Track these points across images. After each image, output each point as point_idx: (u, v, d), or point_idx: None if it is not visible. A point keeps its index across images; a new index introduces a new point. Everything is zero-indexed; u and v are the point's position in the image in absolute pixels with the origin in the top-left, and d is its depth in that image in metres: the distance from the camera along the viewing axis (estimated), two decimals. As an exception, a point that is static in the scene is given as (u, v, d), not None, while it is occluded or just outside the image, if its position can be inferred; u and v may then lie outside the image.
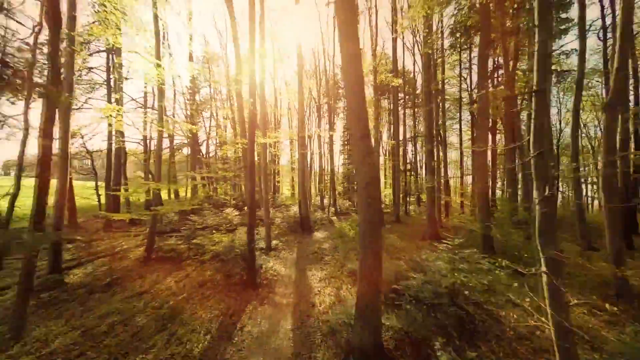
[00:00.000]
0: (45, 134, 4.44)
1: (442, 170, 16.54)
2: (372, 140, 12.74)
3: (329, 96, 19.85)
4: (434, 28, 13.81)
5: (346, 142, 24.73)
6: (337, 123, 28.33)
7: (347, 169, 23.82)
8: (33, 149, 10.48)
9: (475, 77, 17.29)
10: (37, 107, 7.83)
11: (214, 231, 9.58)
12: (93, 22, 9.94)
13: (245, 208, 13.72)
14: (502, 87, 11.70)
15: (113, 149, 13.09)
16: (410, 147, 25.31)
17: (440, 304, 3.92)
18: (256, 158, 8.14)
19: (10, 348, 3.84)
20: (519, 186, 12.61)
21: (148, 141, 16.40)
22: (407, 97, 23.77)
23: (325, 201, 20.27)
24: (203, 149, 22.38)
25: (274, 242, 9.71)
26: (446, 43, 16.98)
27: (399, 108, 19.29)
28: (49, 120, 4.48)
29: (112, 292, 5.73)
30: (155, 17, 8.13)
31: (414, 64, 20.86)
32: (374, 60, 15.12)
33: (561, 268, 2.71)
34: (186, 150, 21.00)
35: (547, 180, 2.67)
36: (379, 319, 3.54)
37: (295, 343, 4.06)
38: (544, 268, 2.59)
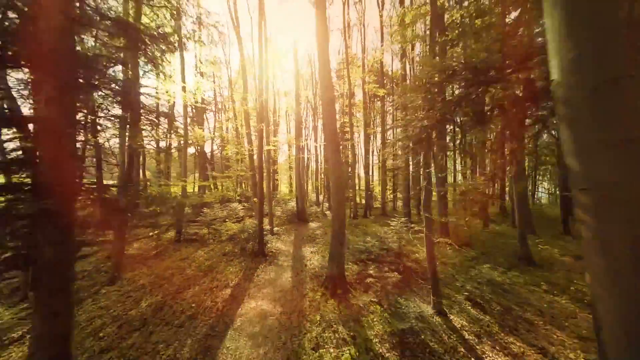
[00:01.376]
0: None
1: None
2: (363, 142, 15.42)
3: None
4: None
5: (346, 140, 27.28)
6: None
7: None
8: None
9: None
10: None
11: (226, 220, 12.21)
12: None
13: (248, 202, 16.31)
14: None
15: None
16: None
17: (381, 255, 6.51)
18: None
19: (113, 284, 6.38)
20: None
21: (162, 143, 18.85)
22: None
23: (321, 197, 22.87)
24: (206, 147, 24.85)
25: (275, 228, 12.28)
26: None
27: (392, 109, 21.88)
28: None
29: (161, 259, 8.27)
30: (181, 48, 10.59)
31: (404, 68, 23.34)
32: (363, 71, 17.63)
33: (432, 226, 5.25)
34: (191, 149, 23.45)
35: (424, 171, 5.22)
36: (342, 261, 6.12)
37: (293, 282, 6.62)
38: (424, 227, 5.14)
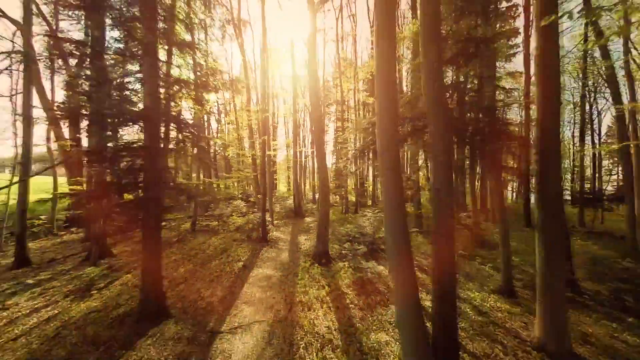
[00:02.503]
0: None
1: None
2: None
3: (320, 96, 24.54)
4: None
5: (339, 143, 29.48)
6: (330, 125, 33.06)
7: (337, 168, 28.64)
8: None
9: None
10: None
11: (232, 215, 14.50)
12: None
13: (249, 200, 18.56)
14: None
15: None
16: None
17: (357, 237, 8.78)
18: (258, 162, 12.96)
19: (153, 259, 8.58)
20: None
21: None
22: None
23: (317, 196, 25.13)
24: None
25: (275, 221, 14.53)
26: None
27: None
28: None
29: (182, 244, 10.49)
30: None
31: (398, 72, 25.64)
32: (355, 81, 19.88)
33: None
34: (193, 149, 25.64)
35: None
36: (326, 240, 8.37)
37: (289, 258, 8.86)
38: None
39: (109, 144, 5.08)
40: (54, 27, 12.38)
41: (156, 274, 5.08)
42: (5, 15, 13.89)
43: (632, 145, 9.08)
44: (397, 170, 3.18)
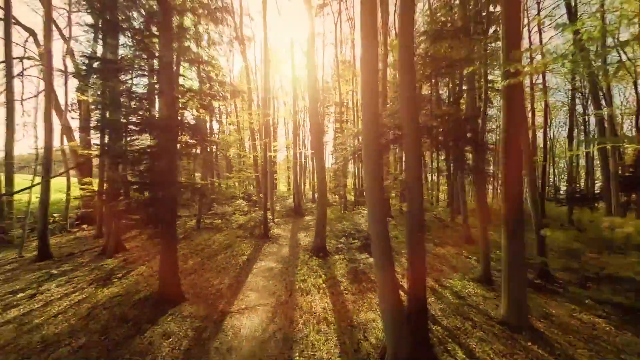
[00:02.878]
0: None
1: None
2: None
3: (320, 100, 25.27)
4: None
5: (337, 145, 30.27)
6: (329, 126, 33.81)
7: (336, 168, 29.42)
8: None
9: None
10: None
11: (234, 213, 15.28)
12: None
13: (251, 200, 19.33)
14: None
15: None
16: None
17: (352, 233, 9.54)
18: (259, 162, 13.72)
19: (163, 253, 9.34)
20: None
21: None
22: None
23: (316, 195, 25.89)
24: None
25: (276, 220, 15.29)
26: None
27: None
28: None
29: (189, 240, 11.24)
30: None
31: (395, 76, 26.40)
32: (353, 84, 20.62)
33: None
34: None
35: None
36: (323, 235, 9.13)
37: (290, 252, 9.62)
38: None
39: (129, 149, 5.83)
40: (67, 38, 13.14)
41: (172, 262, 5.84)
42: (19, 23, 14.67)
43: (608, 147, 9.83)
44: (379, 173, 3.92)
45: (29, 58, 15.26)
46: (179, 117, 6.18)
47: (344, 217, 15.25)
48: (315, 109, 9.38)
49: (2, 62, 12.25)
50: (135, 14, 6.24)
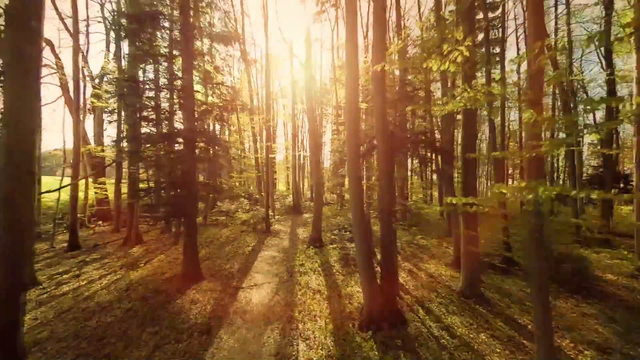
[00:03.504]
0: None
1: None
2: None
3: (318, 103, 26.58)
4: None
5: (334, 149, 31.61)
6: (327, 126, 35.15)
7: (333, 168, 30.79)
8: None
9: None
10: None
11: (237, 211, 16.59)
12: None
13: (252, 198, 20.63)
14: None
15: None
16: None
17: (346, 227, 10.88)
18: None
19: (176, 244, 10.66)
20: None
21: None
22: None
23: (314, 195, 27.23)
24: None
25: (276, 217, 16.62)
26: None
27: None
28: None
29: (199, 235, 12.47)
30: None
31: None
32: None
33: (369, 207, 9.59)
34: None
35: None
36: (319, 228, 10.47)
37: (289, 244, 10.95)
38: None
39: (160, 154, 7.15)
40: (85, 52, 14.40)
41: (193, 247, 7.16)
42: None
43: (575, 150, 11.21)
44: (359, 176, 5.25)
45: (44, 65, 16.56)
46: (202, 127, 7.49)
47: (339, 214, 16.61)
48: (314, 124, 10.71)
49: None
50: (160, 42, 7.56)
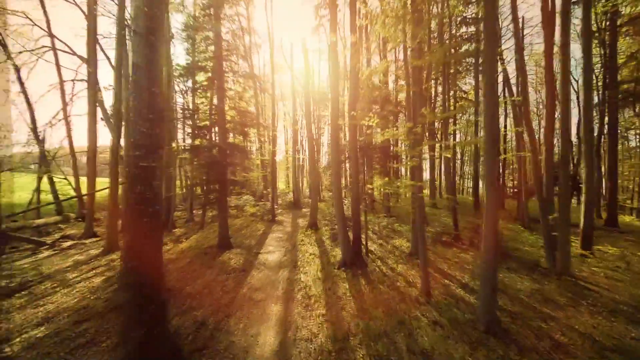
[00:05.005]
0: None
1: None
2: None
3: (316, 107, 29.85)
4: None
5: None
6: (325, 128, 38.44)
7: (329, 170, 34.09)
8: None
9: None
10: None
11: (245, 205, 19.90)
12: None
13: (256, 195, 23.91)
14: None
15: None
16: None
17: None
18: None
19: (202, 229, 13.91)
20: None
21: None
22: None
23: (311, 192, 30.50)
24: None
25: (279, 210, 19.90)
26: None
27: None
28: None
29: (216, 223, 15.79)
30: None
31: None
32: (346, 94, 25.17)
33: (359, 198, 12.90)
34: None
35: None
36: (315, 217, 13.75)
37: (291, 229, 14.22)
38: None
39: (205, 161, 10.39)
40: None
41: (225, 225, 10.42)
42: (74, 53, 19.11)
43: (523, 154, 14.46)
44: (339, 175, 8.49)
45: (79, 80, 19.70)
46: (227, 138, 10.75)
47: (333, 208, 19.87)
48: (311, 129, 13.95)
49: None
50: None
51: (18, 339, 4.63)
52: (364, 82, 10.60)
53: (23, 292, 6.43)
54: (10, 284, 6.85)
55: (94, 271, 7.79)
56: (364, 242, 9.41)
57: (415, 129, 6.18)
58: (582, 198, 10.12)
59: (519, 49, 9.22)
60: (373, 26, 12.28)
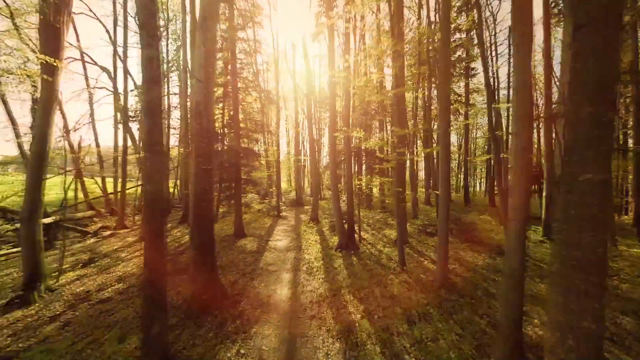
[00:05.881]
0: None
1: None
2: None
3: (317, 109, 31.95)
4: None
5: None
6: (325, 129, 40.55)
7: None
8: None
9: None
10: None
11: (252, 202, 22.04)
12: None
13: (260, 193, 26.02)
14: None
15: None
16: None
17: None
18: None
19: (216, 221, 16.03)
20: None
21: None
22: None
23: (313, 190, 32.57)
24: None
25: (283, 207, 22.01)
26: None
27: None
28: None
29: (226, 217, 17.91)
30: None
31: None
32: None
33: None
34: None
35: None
36: (317, 212, 15.86)
37: (295, 223, 16.31)
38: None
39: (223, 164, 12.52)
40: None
41: (240, 216, 12.51)
42: (96, 63, 21.24)
43: (491, 157, 16.49)
44: (336, 176, 10.56)
45: (100, 88, 21.87)
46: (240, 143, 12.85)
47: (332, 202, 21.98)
48: (312, 134, 16.04)
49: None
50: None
51: (109, 289, 6.74)
52: (361, 89, 12.62)
53: (92, 265, 8.54)
54: (80, 259, 8.97)
55: (139, 252, 9.90)
56: (357, 231, 11.49)
57: (393, 139, 8.24)
58: (544, 193, 12.17)
59: (486, 69, 11.27)
60: (361, 59, 14.41)
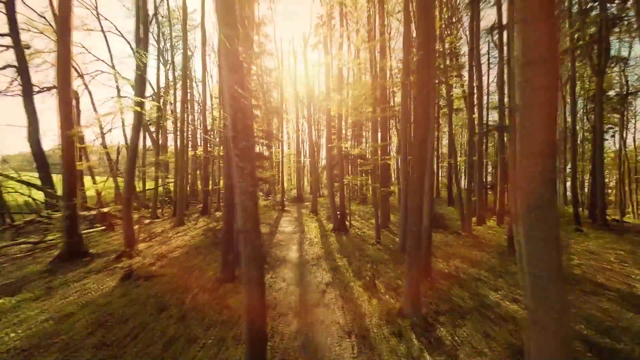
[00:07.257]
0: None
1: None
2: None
3: (316, 111, 35.36)
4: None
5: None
6: (324, 130, 44.01)
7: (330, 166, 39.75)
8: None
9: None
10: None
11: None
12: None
13: (263, 191, 29.48)
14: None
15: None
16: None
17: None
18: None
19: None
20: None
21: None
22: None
23: (312, 188, 36.00)
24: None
25: (286, 203, 25.49)
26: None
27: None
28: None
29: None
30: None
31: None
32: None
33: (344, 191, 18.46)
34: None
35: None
36: (316, 205, 19.32)
37: (297, 214, 19.77)
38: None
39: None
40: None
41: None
42: (121, 77, 24.58)
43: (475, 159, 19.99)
44: (332, 176, 13.99)
45: (123, 97, 25.26)
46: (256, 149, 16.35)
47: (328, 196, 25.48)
48: (311, 135, 19.49)
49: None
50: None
51: (175, 252, 10.19)
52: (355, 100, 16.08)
53: (149, 242, 11.97)
54: (140, 237, 12.40)
55: (183, 232, 13.35)
56: (348, 218, 14.93)
57: (371, 148, 11.69)
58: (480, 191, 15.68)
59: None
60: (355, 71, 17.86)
